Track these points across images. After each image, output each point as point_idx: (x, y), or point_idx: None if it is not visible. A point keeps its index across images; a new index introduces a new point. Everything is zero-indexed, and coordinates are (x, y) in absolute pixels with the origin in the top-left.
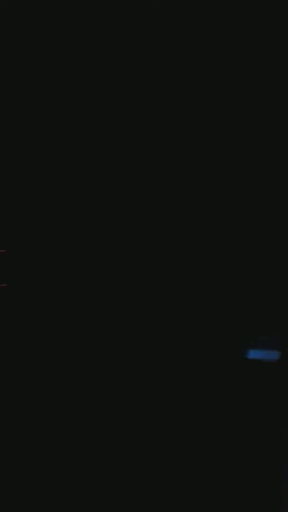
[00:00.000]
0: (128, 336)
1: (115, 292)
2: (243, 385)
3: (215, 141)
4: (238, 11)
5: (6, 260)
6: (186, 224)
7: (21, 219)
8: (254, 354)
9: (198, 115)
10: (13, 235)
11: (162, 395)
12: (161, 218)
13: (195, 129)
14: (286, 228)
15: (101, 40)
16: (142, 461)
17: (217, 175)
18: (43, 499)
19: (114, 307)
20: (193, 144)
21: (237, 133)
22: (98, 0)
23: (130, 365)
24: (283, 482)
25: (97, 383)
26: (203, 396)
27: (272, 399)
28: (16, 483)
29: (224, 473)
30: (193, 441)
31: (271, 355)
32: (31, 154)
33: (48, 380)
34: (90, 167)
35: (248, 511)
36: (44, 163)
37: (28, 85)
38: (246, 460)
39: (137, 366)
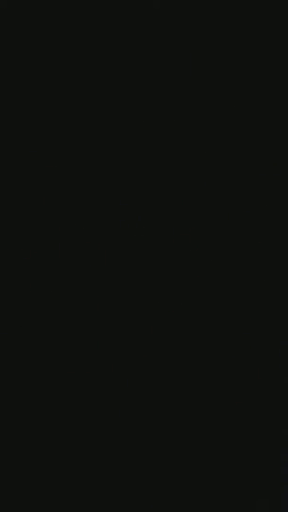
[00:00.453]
0: (128, 336)
1: (115, 292)
2: (243, 385)
3: (215, 141)
4: (238, 11)
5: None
6: (186, 224)
7: (21, 219)
8: None
9: (198, 115)
10: (13, 235)
11: (162, 395)
12: (161, 218)
13: (195, 129)
14: (287, 229)
15: (101, 40)
16: (142, 461)
17: (217, 175)
18: (43, 499)
19: (114, 307)
20: (193, 144)
21: (237, 133)
22: (98, 0)
23: (130, 365)
24: (283, 482)
25: (97, 383)
26: (203, 396)
27: (272, 399)
28: (16, 483)
29: (224, 473)
30: (193, 441)
31: None
32: (31, 154)
33: (48, 380)
34: (90, 167)
35: (248, 511)
36: (44, 163)
37: (28, 85)
38: (246, 460)
39: (137, 366)
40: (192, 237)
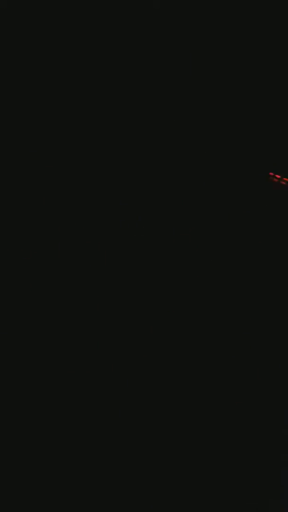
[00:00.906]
0: (128, 336)
1: (115, 292)
2: (243, 385)
3: (215, 141)
4: (238, 11)
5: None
6: (186, 224)
7: (21, 219)
8: None
9: (198, 115)
10: (13, 235)
11: (162, 395)
12: (161, 218)
13: (195, 129)
14: (287, 229)
15: (101, 40)
16: (142, 461)
17: (216, 175)
18: (43, 499)
19: (114, 307)
20: (193, 144)
21: (237, 133)
22: (98, 0)
23: (130, 365)
24: (283, 482)
25: (97, 383)
26: (203, 396)
27: (272, 399)
28: (16, 483)
29: (224, 473)
30: (193, 441)
31: None
32: (31, 154)
33: (48, 380)
34: (90, 167)
35: (248, 510)
36: (44, 163)
37: (28, 85)
38: (246, 460)
39: (137, 366)
40: (192, 237)
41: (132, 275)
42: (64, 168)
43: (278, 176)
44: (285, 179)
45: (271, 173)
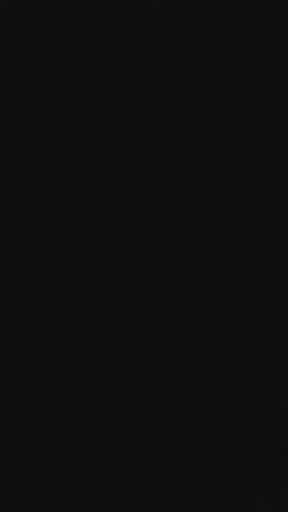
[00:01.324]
0: (127, 336)
1: (115, 292)
2: (243, 385)
3: (215, 141)
4: (238, 11)
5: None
6: (186, 224)
7: (21, 219)
8: None
9: (198, 115)
10: (13, 235)
11: (162, 395)
12: (161, 218)
13: (195, 129)
14: (287, 228)
15: (101, 39)
16: (142, 461)
17: (217, 175)
18: (43, 499)
19: (114, 307)
20: (193, 144)
21: (237, 133)
22: (98, 0)
23: (129, 365)
24: (283, 482)
25: (97, 383)
26: (203, 396)
27: (272, 399)
28: (16, 483)
29: (224, 473)
30: (193, 441)
31: None
32: (31, 154)
33: (48, 380)
34: (90, 167)
35: (248, 510)
36: (44, 163)
37: (28, 85)
38: (246, 460)
39: (137, 366)
40: (192, 237)
41: (132, 275)
42: (64, 168)
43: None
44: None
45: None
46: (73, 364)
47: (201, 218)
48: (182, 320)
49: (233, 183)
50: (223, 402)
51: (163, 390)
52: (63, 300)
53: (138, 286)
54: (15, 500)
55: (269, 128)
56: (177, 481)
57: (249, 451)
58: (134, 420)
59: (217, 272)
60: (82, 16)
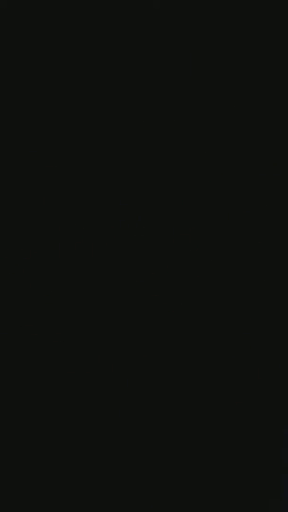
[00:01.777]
0: (127, 336)
1: (115, 292)
2: (243, 385)
3: (215, 141)
4: (238, 12)
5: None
6: (186, 224)
7: (21, 219)
8: None
9: (198, 116)
10: (13, 235)
11: (162, 395)
12: (161, 218)
13: (195, 130)
14: (287, 228)
15: (101, 39)
16: (142, 461)
17: (217, 175)
18: (43, 499)
19: (113, 307)
20: (193, 144)
21: (237, 133)
22: (98, 0)
23: (129, 365)
24: (283, 481)
25: (97, 383)
26: (203, 397)
27: (272, 399)
28: (16, 483)
29: (224, 473)
30: (193, 441)
31: None
32: (31, 154)
33: (47, 380)
34: (90, 167)
35: (248, 509)
36: (44, 163)
37: (28, 85)
38: (246, 460)
39: (137, 366)
40: (192, 237)
41: (132, 275)
42: (64, 168)
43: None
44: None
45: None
46: (73, 364)
47: (201, 218)
48: (182, 320)
49: (233, 184)
50: (223, 402)
51: (163, 390)
52: (63, 300)
53: (138, 286)
54: (15, 500)
55: (269, 128)
56: (177, 481)
57: (249, 451)
58: (134, 420)
59: (217, 272)
60: (82, 16)
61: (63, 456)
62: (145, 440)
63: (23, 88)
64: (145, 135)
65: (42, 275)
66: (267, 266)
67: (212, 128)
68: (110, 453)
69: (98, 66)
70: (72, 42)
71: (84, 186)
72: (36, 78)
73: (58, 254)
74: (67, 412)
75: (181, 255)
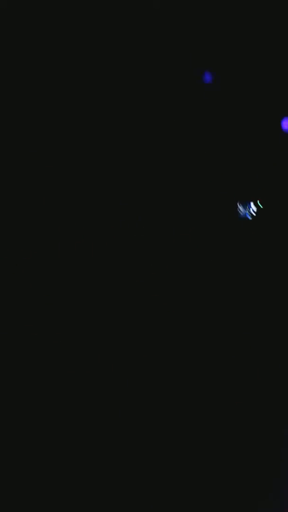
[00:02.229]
0: (127, 336)
1: (115, 291)
2: (243, 385)
3: (215, 142)
4: (238, 12)
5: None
6: (186, 224)
7: (21, 219)
8: None
9: (198, 116)
10: (13, 235)
11: (162, 395)
12: (161, 218)
13: (195, 130)
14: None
15: (101, 39)
16: (142, 461)
17: (216, 176)
18: (43, 499)
19: (113, 307)
20: (193, 144)
21: (236, 133)
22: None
23: (129, 365)
24: (283, 481)
25: (97, 384)
26: (203, 397)
27: (272, 399)
28: (16, 483)
29: (224, 473)
30: (193, 442)
31: None
32: (31, 154)
33: (48, 381)
34: (90, 167)
35: (248, 510)
36: (44, 163)
37: (28, 85)
38: (246, 460)
39: (137, 367)
40: (192, 237)
41: (132, 275)
42: (64, 168)
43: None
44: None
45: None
46: (73, 364)
47: (201, 218)
48: (182, 320)
49: (233, 184)
50: (223, 402)
51: (163, 390)
52: (63, 300)
53: (138, 285)
54: (15, 500)
55: (269, 128)
56: (177, 481)
57: (249, 450)
58: (134, 420)
59: (217, 272)
60: (82, 16)
61: (63, 455)
62: (145, 440)
63: (23, 87)
64: (145, 136)
65: (42, 275)
66: (266, 266)
67: (211, 129)
68: (110, 453)
69: (98, 65)
70: (72, 41)
71: (84, 186)
72: (36, 77)
73: (58, 254)
74: (67, 412)
75: (181, 255)
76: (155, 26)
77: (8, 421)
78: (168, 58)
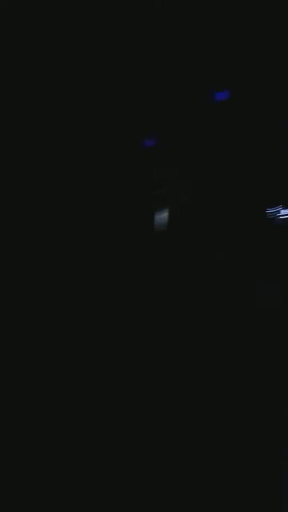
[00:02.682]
0: (128, 336)
1: (115, 291)
2: (243, 385)
3: (215, 143)
4: (238, 12)
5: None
6: (186, 224)
7: (21, 219)
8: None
9: (198, 116)
10: (13, 235)
11: (162, 395)
12: (161, 217)
13: (195, 130)
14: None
15: (101, 39)
16: (142, 461)
17: (217, 176)
18: (43, 499)
19: (114, 307)
20: (193, 145)
21: (237, 134)
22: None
23: (130, 365)
24: (284, 481)
25: (97, 383)
26: (203, 397)
27: (272, 399)
28: (16, 483)
29: (224, 473)
30: (193, 442)
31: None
32: (31, 154)
33: (48, 381)
34: (90, 167)
35: (248, 510)
36: (44, 163)
37: (28, 85)
38: (246, 460)
39: (137, 366)
40: (192, 237)
41: (133, 275)
42: (64, 168)
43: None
44: None
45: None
46: (73, 363)
47: (201, 219)
48: (182, 320)
49: (233, 184)
50: (223, 402)
51: (163, 391)
52: (63, 299)
53: (138, 285)
54: (15, 500)
55: (269, 129)
56: (177, 481)
57: (249, 450)
58: (134, 421)
59: (217, 272)
60: (83, 16)
61: (63, 456)
62: (145, 441)
63: (24, 87)
64: (145, 136)
65: (42, 274)
66: (266, 266)
67: (211, 128)
68: (111, 453)
69: (98, 65)
70: (72, 41)
71: (85, 186)
72: (37, 77)
73: (58, 253)
74: (67, 412)
75: (181, 255)
76: (155, 26)
77: (8, 421)
78: (168, 58)
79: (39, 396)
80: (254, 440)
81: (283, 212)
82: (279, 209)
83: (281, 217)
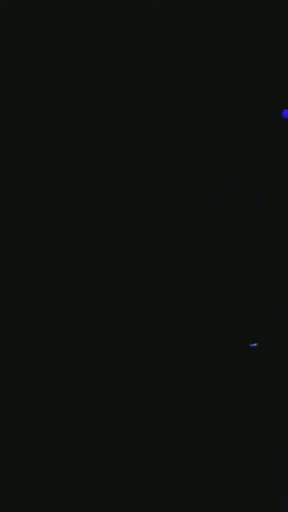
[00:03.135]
0: (128, 336)
1: (115, 292)
2: (243, 385)
3: (215, 143)
4: (238, 12)
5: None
6: (185, 223)
7: (21, 219)
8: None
9: (198, 116)
10: (13, 235)
11: (162, 395)
12: (161, 217)
13: (195, 131)
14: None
15: (101, 39)
16: (142, 461)
17: (216, 176)
18: (43, 499)
19: (114, 306)
20: (193, 144)
21: (236, 133)
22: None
23: (130, 365)
24: (284, 482)
25: (97, 383)
26: (203, 397)
27: (272, 398)
28: (16, 483)
29: (224, 473)
30: (193, 442)
31: None
32: (31, 154)
33: (48, 381)
34: (90, 168)
35: (249, 510)
36: (44, 164)
37: (29, 85)
38: (246, 460)
39: (137, 366)
40: (192, 237)
41: (132, 275)
42: (64, 168)
43: None
44: None
45: None
46: (73, 363)
47: (200, 219)
48: (182, 320)
49: (233, 185)
50: (223, 403)
51: (163, 391)
52: (63, 299)
53: (138, 285)
54: (15, 499)
55: (269, 129)
56: (177, 481)
57: (249, 450)
58: (134, 421)
59: (216, 272)
60: (82, 16)
61: (64, 456)
62: (145, 441)
63: (24, 87)
64: (145, 137)
65: (42, 274)
66: (267, 266)
67: (211, 128)
68: (110, 453)
69: (98, 66)
70: (72, 41)
71: (85, 187)
72: (37, 77)
73: (58, 253)
74: (68, 412)
75: (181, 255)
76: (155, 26)
77: (8, 421)
78: (168, 58)
79: (39, 395)
80: (254, 439)
81: None
82: None
83: None
